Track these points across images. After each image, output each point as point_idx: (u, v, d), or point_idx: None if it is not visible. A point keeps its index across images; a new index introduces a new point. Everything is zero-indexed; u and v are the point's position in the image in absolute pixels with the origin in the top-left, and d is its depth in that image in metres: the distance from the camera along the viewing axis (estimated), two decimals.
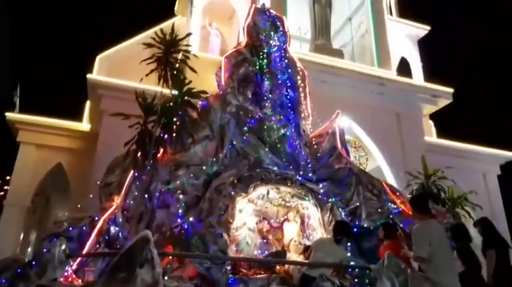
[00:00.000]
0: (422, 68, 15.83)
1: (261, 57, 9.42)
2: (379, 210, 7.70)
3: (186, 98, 7.42)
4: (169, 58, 7.36)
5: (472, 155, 14.90)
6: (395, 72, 14.49)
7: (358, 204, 7.79)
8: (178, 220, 6.69)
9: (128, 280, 3.95)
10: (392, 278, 4.75)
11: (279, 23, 10.07)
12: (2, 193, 13.61)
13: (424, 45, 16.60)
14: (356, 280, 6.14)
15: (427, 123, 15.64)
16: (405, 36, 16.21)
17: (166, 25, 13.99)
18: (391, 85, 13.55)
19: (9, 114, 12.52)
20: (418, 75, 15.57)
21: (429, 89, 14.28)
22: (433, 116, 16.05)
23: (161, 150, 7.25)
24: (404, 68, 16.21)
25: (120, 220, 6.77)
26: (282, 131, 8.78)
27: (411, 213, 5.37)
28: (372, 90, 13.15)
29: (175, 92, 7.41)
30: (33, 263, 5.33)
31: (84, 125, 13.17)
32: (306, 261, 6.18)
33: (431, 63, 16.78)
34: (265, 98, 9.10)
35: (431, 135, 15.61)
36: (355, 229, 7.29)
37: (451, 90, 14.26)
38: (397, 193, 8.32)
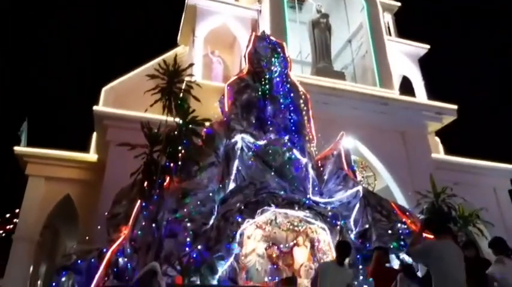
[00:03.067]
0: (425, 85, 15.87)
1: (263, 83, 9.55)
2: (390, 231, 7.60)
3: (190, 126, 7.52)
4: (173, 88, 7.51)
5: (481, 171, 14.72)
6: (398, 91, 14.52)
7: (367, 226, 7.69)
8: (187, 249, 6.64)
9: None
10: None
11: (279, 49, 10.25)
12: (11, 226, 13.67)
13: (425, 63, 16.72)
14: None
15: (433, 141, 15.55)
16: (405, 56, 16.32)
17: (169, 55, 14.33)
18: (394, 104, 13.57)
19: (17, 148, 12.67)
20: (420, 93, 15.59)
21: (433, 107, 14.27)
22: (439, 133, 15.99)
23: (167, 179, 7.29)
24: (406, 86, 16.27)
25: (129, 251, 6.74)
26: (287, 154, 8.79)
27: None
28: (375, 110, 13.17)
29: (179, 120, 7.52)
30: None
31: (92, 156, 13.28)
32: None
33: (434, 80, 16.85)
34: (269, 122, 9.16)
35: (438, 153, 15.50)
36: (365, 253, 7.18)
37: (455, 106, 14.22)
38: (407, 213, 8.23)
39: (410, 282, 5.18)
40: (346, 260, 6.89)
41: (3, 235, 14.53)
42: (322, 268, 5.83)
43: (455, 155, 15.03)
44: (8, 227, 14.40)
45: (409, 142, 13.45)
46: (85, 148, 13.73)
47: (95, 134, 13.44)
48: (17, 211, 12.86)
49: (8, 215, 14.43)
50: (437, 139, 16.29)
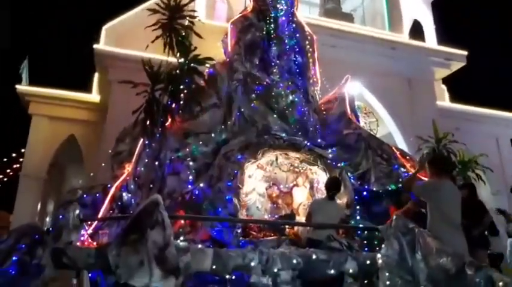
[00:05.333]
0: (436, 30, 15.34)
1: (268, 22, 9.21)
2: (389, 174, 7.68)
3: (192, 65, 7.38)
4: (174, 24, 7.28)
5: (484, 119, 14.68)
6: (407, 36, 14.11)
7: (367, 169, 7.76)
8: (189, 186, 6.78)
9: (139, 242, 4.06)
10: (400, 238, 4.77)
11: None
12: (17, 165, 13.96)
13: (438, 7, 16.01)
14: (365, 241, 6.23)
15: (439, 88, 15.34)
16: None
17: None
18: (402, 49, 13.24)
19: (19, 87, 12.62)
20: (431, 39, 15.12)
21: (442, 53, 13.92)
22: (447, 81, 15.73)
23: (169, 118, 7.29)
24: (417, 31, 15.72)
25: (132, 186, 6.91)
26: (290, 97, 8.69)
27: (427, 175, 5.26)
28: (382, 54, 12.86)
29: (181, 60, 7.38)
30: (51, 230, 5.51)
31: (94, 96, 13.25)
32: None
33: (445, 25, 16.23)
34: (272, 64, 8.96)
35: (443, 100, 15.35)
36: (364, 193, 7.31)
37: (465, 52, 13.88)
38: (407, 157, 8.28)
39: (405, 220, 5.31)
40: (344, 200, 7.10)
41: (11, 173, 14.86)
42: (313, 205, 6.01)
43: (460, 102, 14.90)
44: (14, 166, 14.70)
45: (415, 88, 13.30)
46: (87, 88, 13.66)
47: (96, 75, 13.30)
48: (23, 150, 13.08)
49: (14, 155, 14.67)
50: (444, 87, 16.05)
